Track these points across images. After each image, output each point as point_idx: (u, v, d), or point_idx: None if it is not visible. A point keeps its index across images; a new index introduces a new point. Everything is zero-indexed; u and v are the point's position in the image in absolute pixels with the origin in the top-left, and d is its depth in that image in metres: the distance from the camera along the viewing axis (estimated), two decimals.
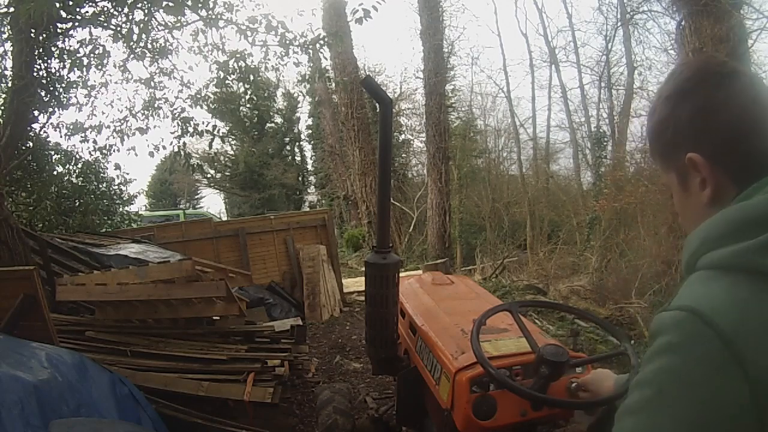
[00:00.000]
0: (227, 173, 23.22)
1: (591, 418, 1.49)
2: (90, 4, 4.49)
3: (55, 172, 6.84)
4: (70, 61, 4.89)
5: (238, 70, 5.39)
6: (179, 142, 5.80)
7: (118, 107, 5.76)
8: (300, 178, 23.39)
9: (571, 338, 4.50)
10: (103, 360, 2.93)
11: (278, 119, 23.34)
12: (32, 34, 4.33)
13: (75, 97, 5.33)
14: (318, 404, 2.87)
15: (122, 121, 5.70)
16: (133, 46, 4.96)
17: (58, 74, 4.98)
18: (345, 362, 4.81)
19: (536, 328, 2.15)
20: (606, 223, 8.49)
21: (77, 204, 7.19)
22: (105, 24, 4.68)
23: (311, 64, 5.90)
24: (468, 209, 12.93)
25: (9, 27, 4.48)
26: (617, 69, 13.47)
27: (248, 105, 7.41)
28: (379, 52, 46.61)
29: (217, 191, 25.45)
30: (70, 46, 4.94)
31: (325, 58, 5.76)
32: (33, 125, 5.04)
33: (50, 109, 5.11)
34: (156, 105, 5.68)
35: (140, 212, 10.81)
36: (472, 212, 13.02)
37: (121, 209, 8.38)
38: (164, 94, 5.71)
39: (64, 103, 5.18)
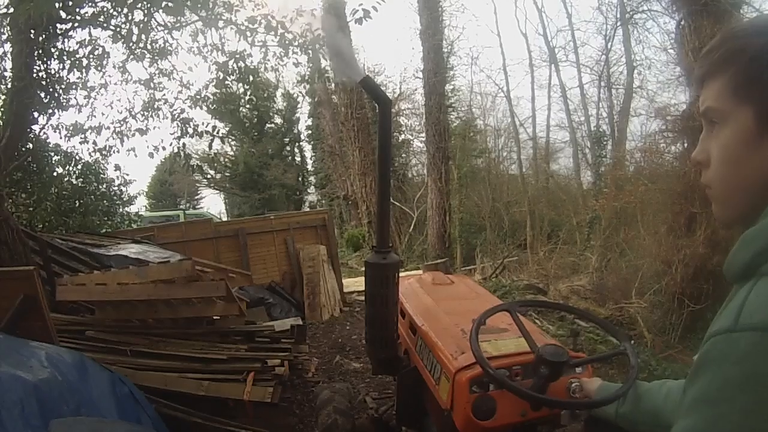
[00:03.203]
0: (227, 174, 23.23)
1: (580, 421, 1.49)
2: (89, 4, 4.49)
3: (55, 173, 6.84)
4: (69, 62, 4.88)
5: (237, 71, 5.39)
6: (179, 143, 5.80)
7: (118, 108, 5.76)
8: (300, 179, 23.39)
9: (570, 338, 4.50)
10: (103, 360, 2.93)
11: (278, 120, 23.35)
12: (32, 35, 4.33)
13: (75, 98, 5.33)
14: (318, 404, 2.87)
15: (122, 122, 5.70)
16: (133, 47, 4.96)
17: (57, 75, 4.97)
18: (345, 362, 4.81)
19: (536, 328, 2.15)
20: (606, 223, 8.49)
21: (77, 205, 7.19)
22: (104, 25, 4.68)
23: (311, 65, 5.90)
24: (468, 209, 12.91)
25: (9, 28, 4.48)
26: (617, 68, 13.51)
27: (248, 105, 7.43)
28: (378, 52, 46.60)
29: (217, 192, 25.50)
30: (70, 47, 4.94)
31: (325, 59, 5.75)
32: (33, 126, 5.04)
33: (50, 111, 5.10)
34: (155, 106, 5.68)
35: (140, 213, 10.81)
36: (472, 212, 13.00)
37: (121, 210, 8.38)
38: (164, 94, 5.71)
39: (64, 104, 5.17)
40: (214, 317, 3.82)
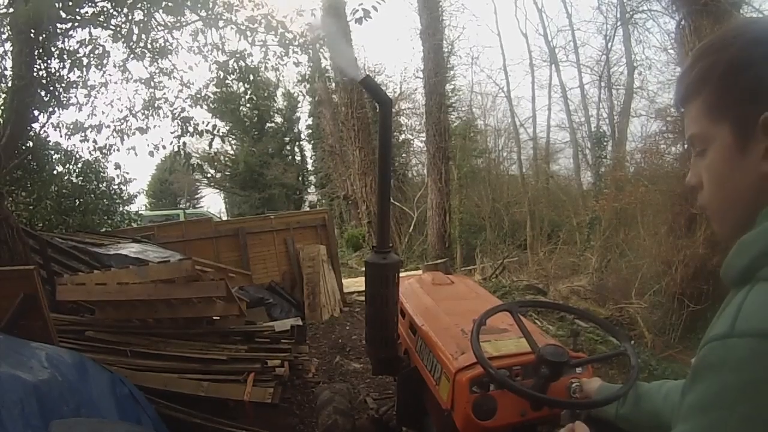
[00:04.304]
0: (227, 173, 23.21)
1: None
2: (89, 4, 4.49)
3: (55, 172, 6.84)
4: (70, 61, 4.88)
5: (237, 70, 5.39)
6: (179, 142, 5.79)
7: (118, 107, 5.76)
8: (300, 178, 23.38)
9: (571, 338, 4.49)
10: (103, 360, 2.93)
11: (278, 119, 23.33)
12: (32, 35, 4.32)
13: (75, 97, 5.32)
14: (318, 404, 2.87)
15: (122, 121, 5.70)
16: (133, 46, 4.96)
17: (58, 74, 4.97)
18: (345, 362, 4.81)
19: (536, 328, 2.15)
20: (606, 223, 8.50)
21: (77, 203, 7.19)
22: (105, 24, 4.68)
23: (311, 64, 5.90)
24: (468, 209, 12.92)
25: (9, 27, 4.47)
26: (617, 68, 13.50)
27: (248, 105, 7.42)
28: (379, 52, 46.62)
29: (217, 191, 25.50)
30: (70, 46, 4.93)
31: (325, 58, 5.75)
32: (33, 125, 5.03)
33: (50, 109, 5.10)
34: (156, 105, 5.67)
35: (140, 212, 10.80)
36: (472, 212, 13.01)
37: (121, 209, 8.37)
38: (164, 93, 5.70)
39: (64, 103, 5.16)
40: (214, 317, 3.82)
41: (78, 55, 4.91)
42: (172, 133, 5.73)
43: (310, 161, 23.40)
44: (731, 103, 0.59)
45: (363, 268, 2.91)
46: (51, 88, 4.92)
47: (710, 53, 0.62)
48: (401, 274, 2.20)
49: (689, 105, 0.65)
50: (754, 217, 0.59)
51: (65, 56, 4.86)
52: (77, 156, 6.75)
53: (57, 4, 3.67)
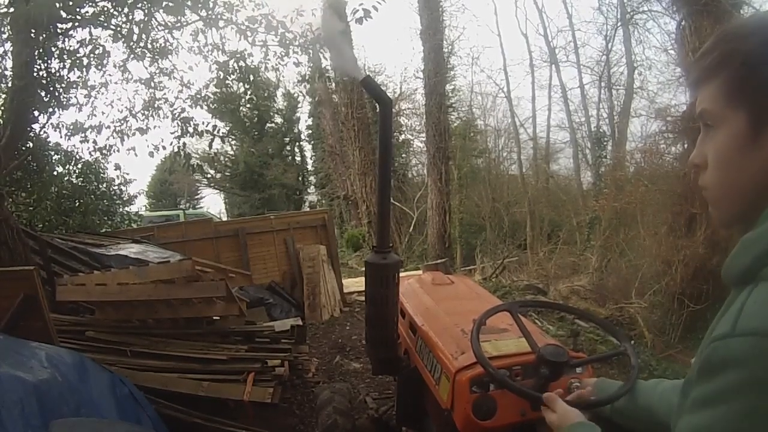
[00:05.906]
0: (227, 173, 23.23)
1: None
2: (90, 4, 4.49)
3: (55, 173, 6.84)
4: (70, 61, 4.88)
5: (238, 70, 5.39)
6: (179, 143, 5.79)
7: (118, 107, 5.75)
8: (300, 178, 23.39)
9: (571, 338, 4.50)
10: (103, 360, 2.93)
11: (278, 119, 23.35)
12: (32, 35, 4.32)
13: (75, 97, 5.32)
14: (318, 404, 2.87)
15: (122, 122, 5.69)
16: (133, 46, 4.96)
17: (58, 74, 4.97)
18: (345, 362, 4.81)
19: (536, 328, 2.15)
20: (606, 223, 8.49)
21: (77, 204, 7.19)
22: (105, 24, 4.68)
23: (311, 64, 5.89)
24: (468, 209, 12.93)
25: (9, 27, 4.47)
26: (617, 69, 13.52)
27: (248, 105, 7.43)
28: (379, 52, 46.63)
29: (217, 191, 25.51)
30: (70, 46, 4.93)
31: (325, 58, 5.75)
32: (33, 125, 5.03)
33: (50, 110, 5.10)
34: (156, 105, 5.67)
35: (140, 212, 10.81)
36: (472, 212, 13.02)
37: (121, 209, 8.39)
38: (164, 94, 5.70)
39: (64, 103, 5.16)
40: (214, 317, 3.82)
41: (78, 55, 4.91)
42: (172, 133, 5.74)
43: (310, 161, 23.43)
44: (749, 93, 0.58)
45: (363, 268, 2.91)
46: (51, 89, 4.92)
47: (731, 40, 0.61)
48: (401, 274, 2.20)
49: (705, 85, 0.64)
50: (754, 209, 0.59)
51: (65, 56, 4.86)
52: (77, 157, 6.75)
53: (57, 4, 3.67)
